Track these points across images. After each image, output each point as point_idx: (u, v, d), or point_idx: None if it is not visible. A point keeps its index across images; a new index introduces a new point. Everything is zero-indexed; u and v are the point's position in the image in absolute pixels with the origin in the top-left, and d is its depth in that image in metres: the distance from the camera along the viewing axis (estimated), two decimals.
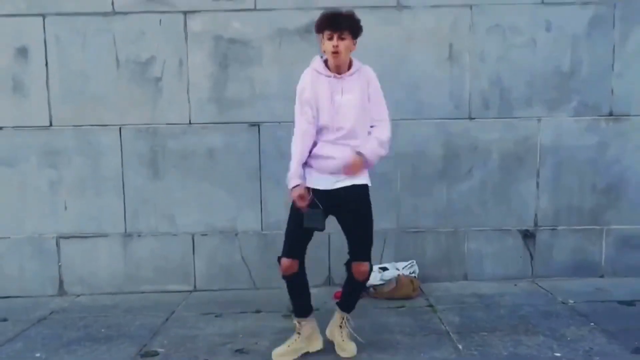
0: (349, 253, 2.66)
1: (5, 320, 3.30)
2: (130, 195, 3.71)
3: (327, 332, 2.77)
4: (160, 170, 3.70)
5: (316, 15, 3.56)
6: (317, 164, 2.54)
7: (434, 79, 3.66)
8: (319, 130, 2.54)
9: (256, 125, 3.66)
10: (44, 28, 3.57)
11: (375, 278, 3.57)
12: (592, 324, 2.95)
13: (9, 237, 3.74)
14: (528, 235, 3.80)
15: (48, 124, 3.65)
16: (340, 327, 2.71)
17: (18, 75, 3.62)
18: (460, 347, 2.70)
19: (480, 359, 2.57)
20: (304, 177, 2.52)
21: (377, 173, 3.71)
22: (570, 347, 2.65)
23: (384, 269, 3.65)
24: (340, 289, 3.65)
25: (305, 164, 2.55)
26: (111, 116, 3.65)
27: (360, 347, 2.70)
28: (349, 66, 2.56)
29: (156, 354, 2.74)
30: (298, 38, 3.60)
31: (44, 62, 3.61)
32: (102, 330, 3.09)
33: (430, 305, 3.33)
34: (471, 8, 3.62)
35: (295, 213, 2.55)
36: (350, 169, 2.50)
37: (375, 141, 2.56)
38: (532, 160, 3.74)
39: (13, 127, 3.66)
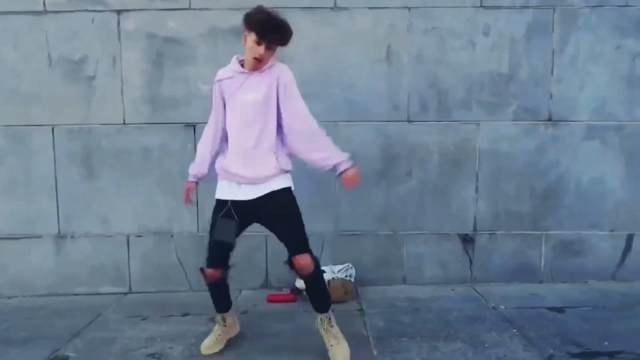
0: (288, 252, 2.57)
1: None
2: (64, 195, 3.66)
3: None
4: (95, 171, 3.65)
5: None
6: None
7: (371, 80, 3.63)
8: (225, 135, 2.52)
9: (192, 125, 3.62)
10: None
11: None
12: (514, 330, 2.92)
13: None
14: (467, 240, 3.78)
15: None
16: (325, 330, 2.58)
17: None
18: (375, 352, 2.67)
19: None
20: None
21: (314, 176, 3.69)
22: (484, 355, 2.62)
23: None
24: (274, 292, 3.66)
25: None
26: (44, 116, 3.60)
27: (277, 352, 2.67)
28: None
29: (66, 358, 2.68)
30: (233, 38, 3.55)
31: None
32: (22, 333, 3.03)
33: (361, 309, 3.30)
34: (409, 10, 3.59)
35: (215, 223, 2.52)
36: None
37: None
38: (471, 164, 3.72)
39: None
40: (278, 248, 3.67)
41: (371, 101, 3.64)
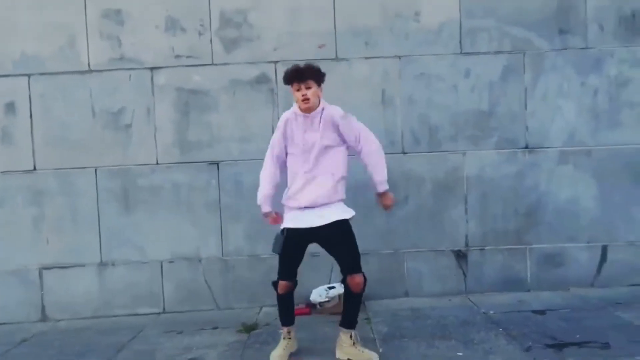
0: (342, 271, 3.00)
1: None
2: (105, 228, 4.19)
3: (339, 355, 3.03)
4: (131, 205, 4.19)
5: (265, 67, 4.21)
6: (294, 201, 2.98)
7: (370, 120, 4.13)
8: (292, 166, 3.01)
9: (215, 163, 4.18)
10: (29, 86, 4.13)
11: (321, 296, 4.04)
12: (500, 329, 3.39)
13: None
14: (460, 255, 4.27)
15: (32, 168, 4.16)
16: (354, 344, 3.00)
17: (7, 127, 4.15)
18: (380, 350, 3.13)
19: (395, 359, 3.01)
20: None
21: None
22: (473, 349, 3.10)
23: (332, 287, 4.10)
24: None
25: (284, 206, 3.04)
26: (88, 159, 4.17)
27: (297, 354, 3.14)
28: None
29: None
30: (249, 88, 4.16)
31: (29, 115, 4.15)
32: (76, 347, 3.52)
33: (367, 318, 3.76)
34: (399, 59, 4.19)
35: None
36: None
37: (375, 155, 3.15)
38: (460, 189, 4.24)
39: (2, 172, 4.17)
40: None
41: None
